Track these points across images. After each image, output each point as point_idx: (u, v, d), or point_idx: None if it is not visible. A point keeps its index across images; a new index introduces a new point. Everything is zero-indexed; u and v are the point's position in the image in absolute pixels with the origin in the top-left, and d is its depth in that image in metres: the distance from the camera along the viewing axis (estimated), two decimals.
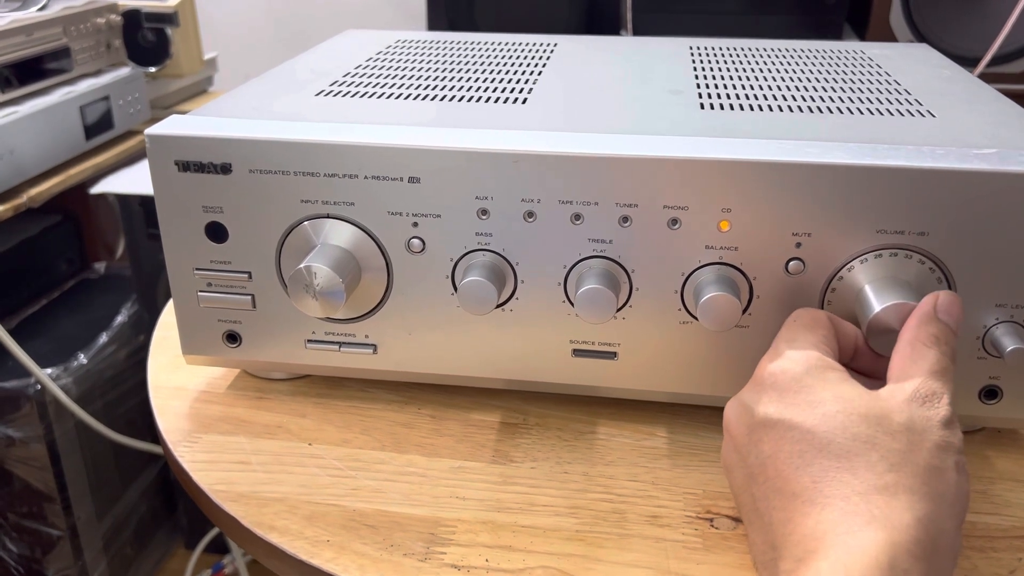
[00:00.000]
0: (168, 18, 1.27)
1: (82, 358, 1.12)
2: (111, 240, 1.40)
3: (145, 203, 1.15)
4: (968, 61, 1.31)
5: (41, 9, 1.07)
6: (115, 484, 1.21)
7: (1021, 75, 1.35)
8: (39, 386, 1.03)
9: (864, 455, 0.34)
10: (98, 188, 1.13)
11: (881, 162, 0.41)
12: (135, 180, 1.15)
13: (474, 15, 1.42)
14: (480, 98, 0.52)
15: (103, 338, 1.16)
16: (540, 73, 0.58)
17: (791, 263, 0.43)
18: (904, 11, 1.34)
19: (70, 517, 1.12)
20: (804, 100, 0.52)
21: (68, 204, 1.30)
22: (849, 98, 0.52)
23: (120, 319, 1.20)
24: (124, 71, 1.19)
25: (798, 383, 0.37)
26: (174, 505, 1.33)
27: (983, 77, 1.35)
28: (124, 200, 1.17)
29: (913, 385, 0.36)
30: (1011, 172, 0.40)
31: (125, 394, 1.20)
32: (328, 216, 0.46)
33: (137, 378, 1.20)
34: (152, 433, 1.24)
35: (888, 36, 1.33)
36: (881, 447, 0.34)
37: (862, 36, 1.37)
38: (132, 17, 1.25)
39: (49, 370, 1.06)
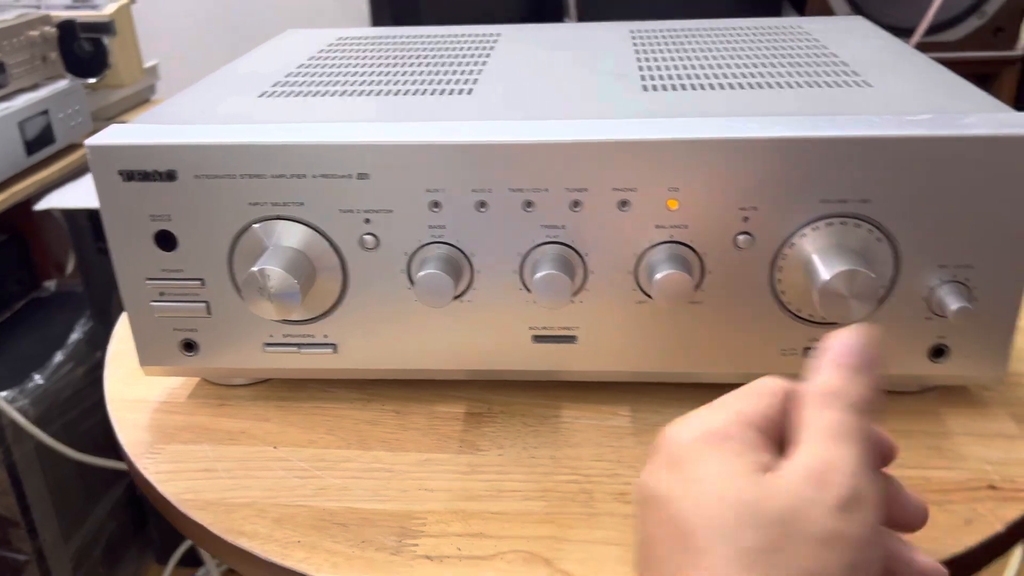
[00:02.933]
0: (104, 27, 1.25)
1: (38, 378, 1.10)
2: (60, 257, 1.37)
3: (93, 217, 1.13)
4: (906, 32, 1.34)
5: None
6: (81, 504, 1.19)
7: (959, 42, 1.39)
8: None
9: (717, 551, 0.27)
10: (43, 204, 1.11)
11: (820, 133, 0.42)
12: (81, 194, 1.12)
13: (419, 9, 1.41)
14: (425, 91, 0.52)
15: (58, 357, 1.14)
16: (484, 64, 0.59)
17: (740, 237, 0.44)
18: None
19: (35, 540, 1.10)
20: (744, 77, 0.53)
21: (13, 222, 1.27)
22: (788, 72, 0.53)
23: (75, 336, 1.18)
24: (62, 84, 1.16)
25: (685, 452, 0.30)
26: (144, 520, 1.31)
27: (921, 47, 1.38)
28: (71, 215, 1.15)
29: (804, 460, 0.28)
30: (946, 136, 0.42)
31: (85, 412, 1.17)
32: (278, 217, 0.45)
33: (96, 395, 1.17)
34: (116, 449, 1.22)
35: (826, 11, 1.36)
36: (739, 542, 0.26)
37: (801, 12, 1.39)
38: (67, 28, 1.22)
39: (4, 393, 1.04)
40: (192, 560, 1.29)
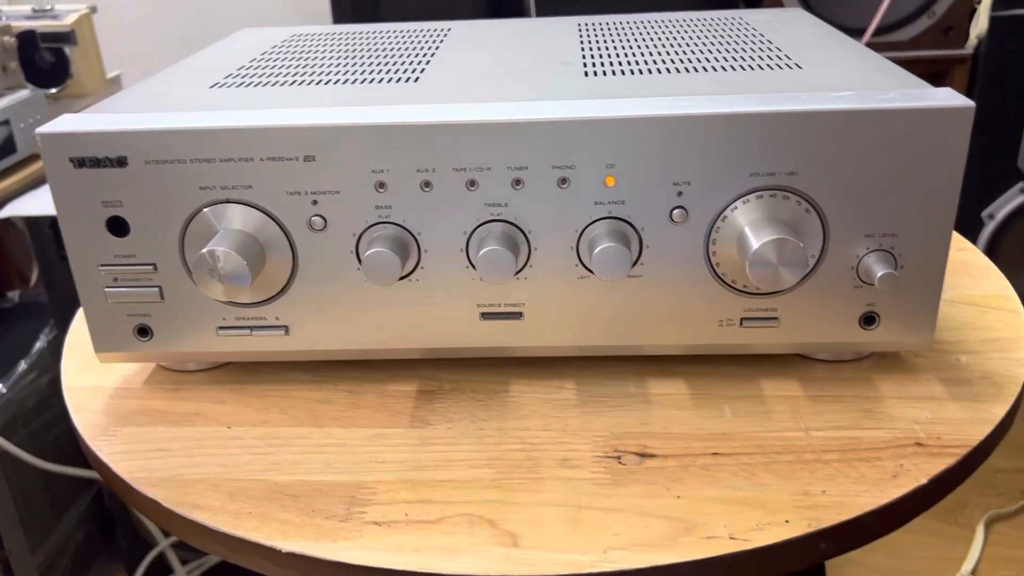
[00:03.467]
0: (65, 37, 1.25)
1: (1, 388, 1.10)
2: (24, 267, 1.36)
3: (55, 225, 1.13)
4: (857, 32, 1.38)
5: None
6: (47, 514, 1.18)
7: (910, 42, 1.43)
8: None
9: None
10: (4, 213, 1.11)
11: (747, 109, 0.44)
12: (43, 203, 1.12)
13: (379, 9, 1.43)
14: (373, 80, 0.54)
15: (22, 366, 1.14)
16: (433, 55, 0.60)
17: (675, 211, 0.46)
18: None
19: (1, 551, 1.09)
20: (682, 62, 0.54)
21: None
22: (724, 58, 0.55)
23: (39, 345, 1.17)
24: (23, 94, 1.16)
25: None
26: (112, 530, 1.30)
27: (872, 46, 1.42)
28: (33, 223, 1.14)
29: None
30: (866, 109, 0.44)
31: (50, 422, 1.17)
32: (228, 201, 0.47)
33: (62, 405, 1.17)
34: (82, 459, 1.22)
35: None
36: None
37: None
38: (27, 38, 1.23)
39: None
40: (161, 569, 1.29)
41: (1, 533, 1.09)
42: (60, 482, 1.17)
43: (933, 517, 1.36)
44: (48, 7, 1.31)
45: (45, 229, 1.14)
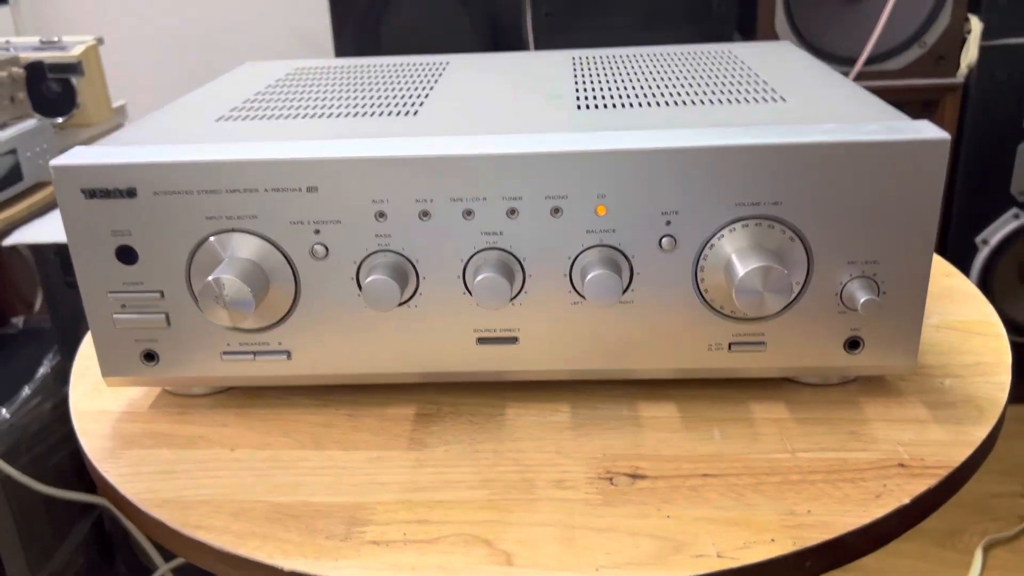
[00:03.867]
0: (72, 68, 1.28)
1: (4, 413, 1.11)
2: (28, 293, 1.38)
3: (60, 252, 1.15)
4: (849, 61, 1.41)
5: None
6: (48, 539, 1.19)
7: (902, 71, 1.45)
8: None
9: None
10: (10, 240, 1.12)
11: (733, 142, 0.46)
12: (48, 230, 1.14)
13: (380, 43, 1.46)
14: (374, 113, 0.55)
15: (26, 391, 1.15)
16: (432, 88, 0.62)
17: (664, 240, 0.48)
18: (787, 16, 1.43)
19: (2, 575, 1.10)
20: (671, 95, 0.56)
21: None
22: (712, 90, 0.57)
23: (43, 371, 1.19)
24: (30, 123, 1.19)
25: None
26: (112, 555, 1.31)
27: (864, 75, 1.44)
28: (38, 251, 1.16)
29: None
30: (847, 141, 0.46)
31: (53, 447, 1.18)
32: (233, 230, 0.48)
33: (65, 429, 1.18)
34: (84, 484, 1.23)
35: (774, 40, 1.42)
36: None
37: (751, 41, 1.45)
38: (36, 69, 1.25)
39: None
40: None
41: (2, 557, 1.10)
42: (61, 507, 1.17)
43: (931, 543, 1.37)
44: (56, 39, 1.34)
45: (50, 256, 1.16)
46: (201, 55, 1.86)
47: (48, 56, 1.27)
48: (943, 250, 1.54)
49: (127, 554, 1.28)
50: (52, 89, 1.29)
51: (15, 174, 1.16)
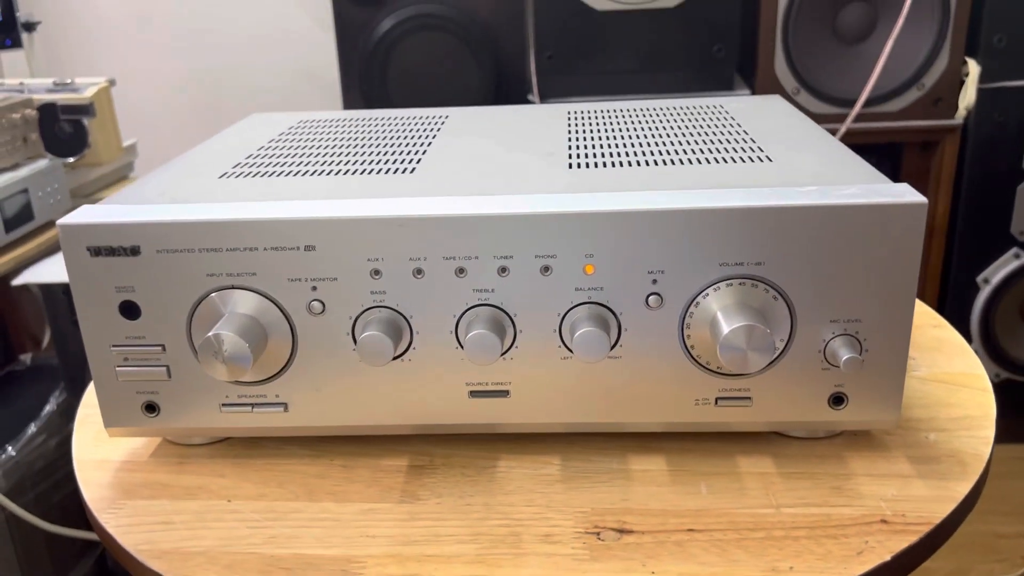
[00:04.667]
0: (84, 109, 1.31)
1: (10, 450, 1.12)
2: (36, 331, 1.40)
3: (69, 291, 1.17)
4: (848, 103, 1.43)
5: None
6: (50, 575, 1.20)
7: (900, 112, 1.47)
8: None
9: None
10: (20, 279, 1.14)
11: (716, 204, 0.47)
12: (57, 269, 1.16)
13: (388, 90, 1.49)
14: (372, 171, 0.57)
15: (31, 428, 1.17)
16: (429, 144, 0.64)
17: (650, 297, 0.49)
18: (787, 59, 1.45)
19: None
20: (660, 154, 0.58)
21: None
22: (701, 149, 0.59)
23: (49, 408, 1.20)
24: (42, 163, 1.21)
25: None
26: None
27: (864, 117, 1.46)
28: (47, 289, 1.18)
29: None
30: (827, 205, 0.47)
31: (57, 484, 1.19)
32: (233, 287, 0.50)
33: (69, 467, 1.19)
34: (87, 521, 1.24)
35: (775, 83, 1.44)
36: None
37: (751, 85, 1.47)
38: (48, 110, 1.28)
39: None
40: None
41: None
42: (64, 544, 1.18)
43: None
44: (68, 80, 1.37)
45: (59, 295, 1.18)
46: (210, 95, 1.90)
47: (61, 98, 1.30)
48: (943, 290, 1.55)
49: None
50: (64, 130, 1.32)
51: (26, 213, 1.18)
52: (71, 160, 1.32)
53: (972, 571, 1.39)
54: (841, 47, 1.46)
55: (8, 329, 1.35)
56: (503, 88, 1.51)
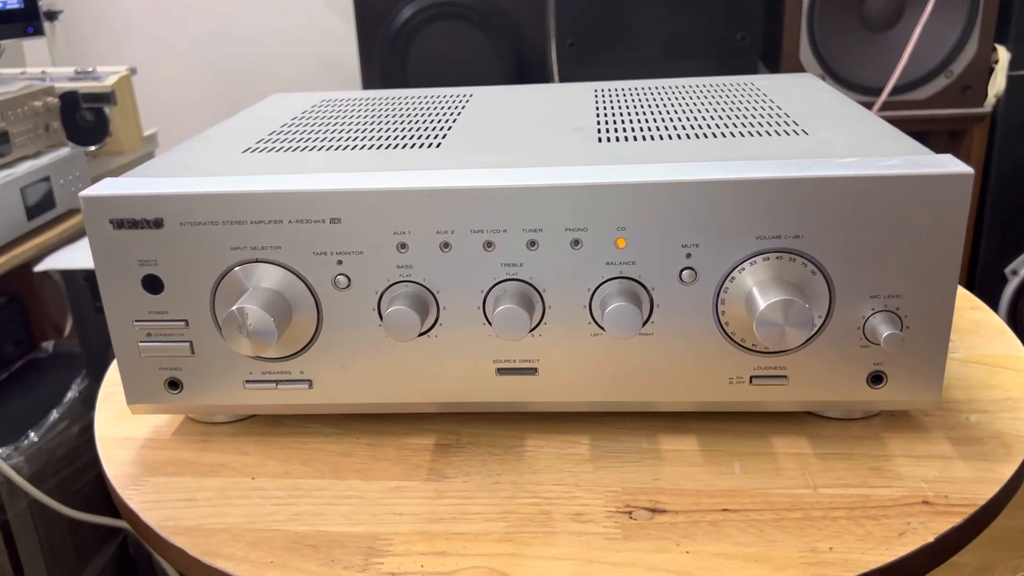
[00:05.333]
0: (106, 97, 1.31)
1: (33, 436, 1.12)
2: (58, 318, 1.40)
3: (90, 278, 1.17)
4: (874, 91, 1.40)
5: None
6: (73, 562, 1.20)
7: (928, 100, 1.44)
8: None
9: None
10: (42, 266, 1.14)
11: (754, 175, 0.46)
12: (78, 256, 1.16)
13: (407, 79, 1.48)
14: (398, 145, 0.56)
15: (54, 415, 1.17)
16: (455, 120, 0.63)
17: (684, 272, 0.48)
18: (812, 46, 1.43)
19: None
20: (692, 128, 0.57)
21: (13, 285, 1.31)
22: (734, 123, 0.57)
23: (71, 395, 1.20)
24: (64, 151, 1.21)
25: None
26: None
27: (890, 105, 1.44)
28: (69, 276, 1.18)
29: None
30: (868, 176, 0.45)
31: (80, 470, 1.19)
32: (257, 260, 0.49)
33: (91, 454, 1.20)
34: (109, 507, 1.24)
35: (799, 71, 1.42)
36: None
37: (775, 73, 1.45)
38: (70, 99, 1.28)
39: (0, 450, 1.06)
40: None
41: None
42: (86, 530, 1.18)
43: None
44: (90, 69, 1.37)
45: (80, 282, 1.17)
46: (230, 84, 1.90)
47: (82, 86, 1.30)
48: (971, 280, 1.52)
49: None
50: (86, 118, 1.32)
51: (48, 201, 1.18)
52: (92, 148, 1.33)
53: (999, 567, 1.36)
54: (868, 33, 1.44)
55: (30, 317, 1.35)
56: (524, 77, 1.50)
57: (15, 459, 1.07)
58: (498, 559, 0.43)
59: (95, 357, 1.21)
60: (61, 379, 1.23)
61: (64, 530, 1.17)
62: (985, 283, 1.49)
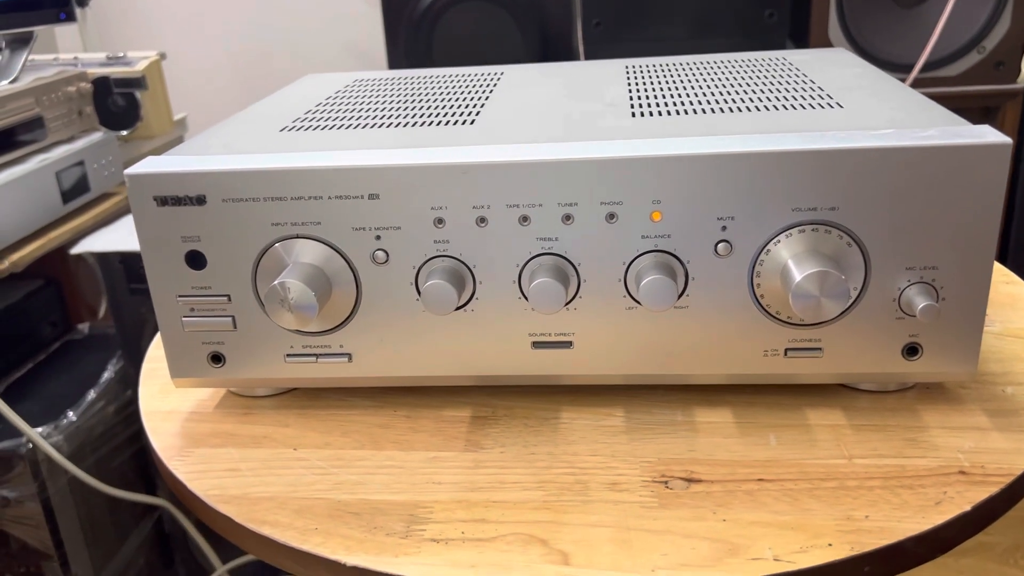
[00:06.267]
0: (137, 82, 1.33)
1: (71, 416, 1.15)
2: (93, 300, 1.43)
3: (125, 260, 1.19)
4: (905, 68, 1.39)
5: (12, 82, 1.11)
6: (111, 539, 1.23)
7: (960, 77, 1.43)
8: (30, 445, 1.05)
9: None
10: (77, 249, 1.17)
11: (790, 147, 0.46)
12: (113, 239, 1.18)
13: (433, 62, 1.48)
14: (432, 122, 0.57)
15: (91, 395, 1.19)
16: (488, 98, 0.63)
17: (719, 245, 0.48)
18: (841, 24, 1.41)
19: (68, 574, 1.13)
20: (725, 102, 0.57)
21: (49, 268, 1.34)
22: (767, 97, 0.57)
23: (107, 375, 1.22)
24: (97, 136, 1.23)
25: None
26: (171, 558, 1.34)
27: (921, 82, 1.42)
28: (104, 259, 1.20)
29: None
30: (904, 147, 0.45)
31: (117, 448, 1.22)
32: (298, 236, 0.50)
33: (128, 432, 1.22)
34: (146, 485, 1.26)
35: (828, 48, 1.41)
36: None
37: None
38: (102, 84, 1.30)
39: (40, 429, 1.09)
40: None
41: (69, 555, 1.14)
42: (124, 508, 1.21)
43: (991, 559, 1.33)
44: (121, 54, 1.38)
45: (115, 264, 1.19)
46: (258, 69, 1.91)
47: (114, 71, 1.32)
48: (1004, 254, 1.50)
49: (186, 555, 1.32)
50: (117, 103, 1.34)
51: (83, 185, 1.20)
52: (124, 133, 1.34)
53: None
54: (897, 9, 1.42)
55: (66, 299, 1.38)
56: (549, 57, 1.50)
57: (55, 438, 1.10)
58: (536, 526, 0.43)
59: (130, 338, 1.24)
60: (97, 360, 1.26)
61: (103, 507, 1.20)
62: (1018, 257, 1.47)
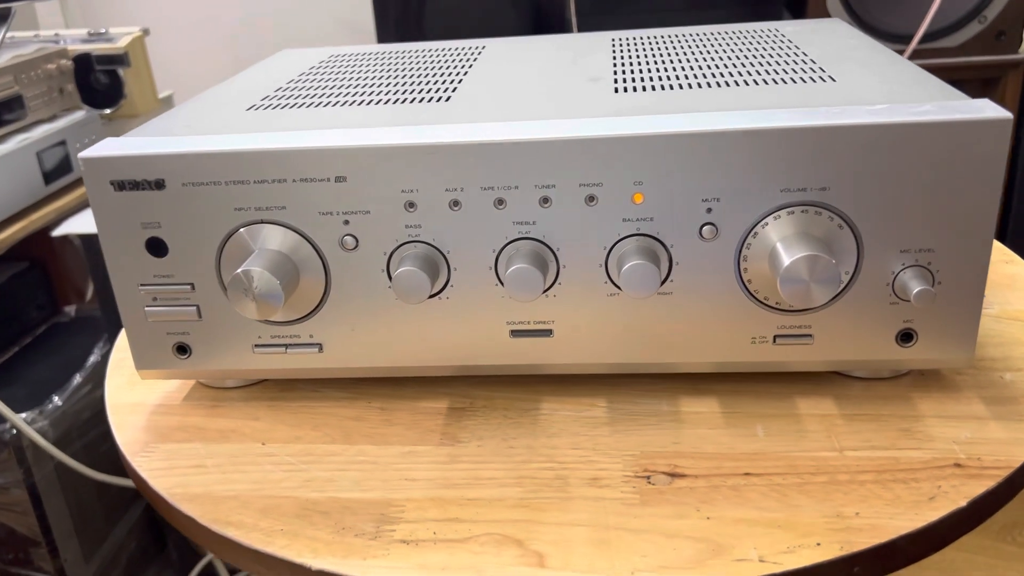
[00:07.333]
0: (119, 59, 1.29)
1: (57, 400, 1.13)
2: (80, 283, 1.41)
3: None
4: (904, 38, 1.35)
5: None
6: (101, 523, 1.21)
7: (960, 48, 1.39)
8: (15, 431, 1.04)
9: None
10: (60, 230, 1.14)
11: (778, 124, 0.43)
12: None
13: (423, 28, 1.45)
14: (405, 100, 0.54)
15: (77, 379, 1.17)
16: (466, 73, 0.61)
17: (704, 228, 0.46)
18: None
19: (57, 560, 1.12)
20: (713, 77, 0.54)
21: (34, 251, 1.31)
22: (757, 71, 0.55)
23: (93, 359, 1.21)
24: (79, 115, 1.20)
25: None
26: (163, 541, 1.33)
27: (921, 53, 1.39)
28: (88, 241, 1.18)
29: None
30: (900, 123, 0.43)
31: (104, 432, 1.20)
32: (262, 222, 0.47)
33: None
34: None
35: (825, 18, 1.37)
36: None
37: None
38: (83, 61, 1.27)
39: (24, 414, 1.07)
40: None
41: (57, 541, 1.12)
42: (113, 492, 1.20)
43: (989, 536, 1.32)
44: (103, 30, 1.35)
45: (100, 246, 1.17)
46: (246, 43, 1.87)
47: (96, 48, 1.28)
48: (1003, 233, 1.48)
49: (178, 539, 1.30)
50: (100, 80, 1.31)
51: (65, 165, 1.17)
52: (107, 111, 1.31)
53: None
54: None
55: (53, 282, 1.36)
56: (542, 29, 1.46)
57: (40, 423, 1.08)
58: (513, 526, 0.41)
59: (117, 321, 1.21)
60: (84, 343, 1.24)
61: (91, 492, 1.18)
62: (1018, 236, 1.45)
